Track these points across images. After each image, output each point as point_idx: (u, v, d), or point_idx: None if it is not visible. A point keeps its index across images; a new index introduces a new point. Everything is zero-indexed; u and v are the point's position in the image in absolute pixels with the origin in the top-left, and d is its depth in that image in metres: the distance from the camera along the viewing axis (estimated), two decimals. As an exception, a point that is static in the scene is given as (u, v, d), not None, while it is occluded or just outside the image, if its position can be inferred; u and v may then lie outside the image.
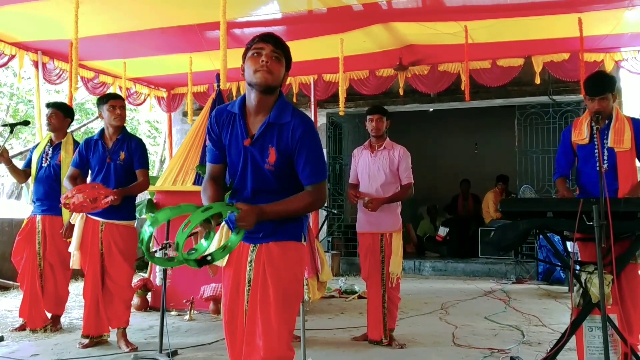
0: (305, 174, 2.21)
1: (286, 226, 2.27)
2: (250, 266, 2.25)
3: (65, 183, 4.38)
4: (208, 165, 2.39)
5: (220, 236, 2.33)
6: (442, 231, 10.21)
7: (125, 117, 4.39)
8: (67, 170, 4.80)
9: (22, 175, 5.01)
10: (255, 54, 2.15)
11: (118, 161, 4.28)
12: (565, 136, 3.76)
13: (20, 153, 11.97)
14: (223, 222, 2.30)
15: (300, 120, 2.20)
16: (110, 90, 8.62)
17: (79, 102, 15.04)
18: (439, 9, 6.35)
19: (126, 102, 8.08)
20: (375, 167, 4.46)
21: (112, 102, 4.30)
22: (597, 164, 3.44)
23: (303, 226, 2.36)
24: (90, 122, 14.98)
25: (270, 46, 2.15)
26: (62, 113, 4.96)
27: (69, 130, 5.09)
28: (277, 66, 2.16)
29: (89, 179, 4.41)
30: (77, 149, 4.46)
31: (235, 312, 2.28)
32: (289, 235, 2.29)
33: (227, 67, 5.22)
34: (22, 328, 4.81)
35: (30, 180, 5.00)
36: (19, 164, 5.14)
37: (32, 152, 5.07)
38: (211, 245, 2.24)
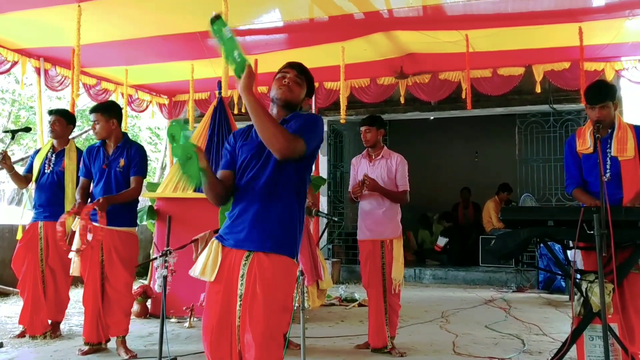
0: (294, 127, 2.32)
1: (282, 233, 2.31)
2: (242, 280, 2.27)
3: (76, 195, 4.40)
4: (219, 173, 2.48)
5: (209, 252, 2.34)
6: (441, 241, 10.18)
7: (104, 131, 4.31)
8: (70, 177, 4.82)
9: (23, 180, 5.01)
10: (281, 76, 2.47)
11: (118, 168, 4.27)
12: (570, 145, 3.73)
13: (22, 159, 11.97)
14: (213, 238, 2.38)
15: (309, 114, 2.47)
16: (112, 97, 8.65)
17: (80, 109, 15.06)
18: (440, 18, 6.37)
19: (128, 109, 8.08)
20: (373, 176, 4.47)
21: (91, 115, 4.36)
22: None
23: (297, 241, 2.39)
24: (91, 129, 14.99)
25: (295, 71, 2.47)
26: (65, 120, 4.97)
27: (70, 137, 5.10)
28: (297, 88, 2.46)
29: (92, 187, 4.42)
30: (82, 158, 4.46)
31: (226, 328, 2.27)
32: (283, 247, 2.31)
33: (228, 75, 5.23)
34: (21, 335, 4.81)
35: (31, 187, 5.00)
36: (20, 170, 5.14)
37: (32, 158, 5.07)
38: (199, 261, 2.34)
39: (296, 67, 2.50)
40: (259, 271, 2.25)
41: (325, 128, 9.63)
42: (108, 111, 4.32)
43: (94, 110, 4.35)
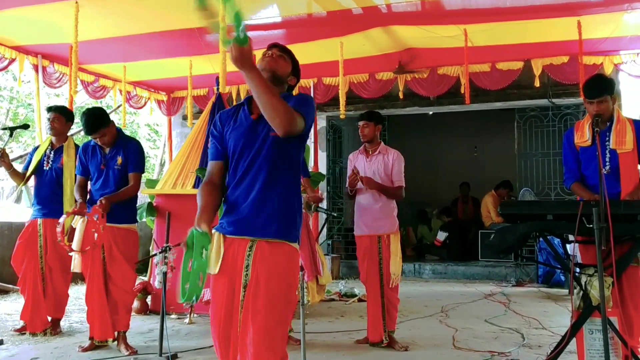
0: (290, 104, 2.26)
1: (283, 217, 2.30)
2: (247, 271, 2.28)
3: (75, 194, 4.39)
4: (208, 165, 2.46)
5: (211, 244, 2.34)
6: (441, 236, 10.17)
7: (111, 137, 4.28)
8: (68, 174, 4.81)
9: (22, 178, 5.00)
10: (264, 53, 2.48)
11: (116, 166, 4.26)
12: (569, 139, 3.71)
13: (20, 157, 11.96)
14: (213, 230, 2.35)
15: (300, 94, 2.48)
16: (110, 93, 8.63)
17: (78, 106, 15.03)
18: (439, 13, 6.35)
19: (126, 105, 8.06)
20: (370, 172, 4.51)
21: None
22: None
23: (297, 225, 2.38)
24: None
25: (277, 49, 2.50)
26: (64, 117, 4.97)
27: (68, 134, 5.10)
28: (281, 61, 2.46)
29: (89, 185, 4.41)
30: (77, 156, 4.45)
31: (231, 320, 2.29)
32: (285, 233, 2.31)
33: (226, 71, 5.21)
34: (22, 329, 4.81)
35: (30, 184, 5.00)
36: (19, 167, 5.13)
37: (31, 155, 5.06)
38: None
39: (278, 46, 2.51)
40: (261, 262, 2.26)
41: (324, 124, 9.63)
42: (105, 121, 4.24)
43: (95, 129, 4.18)
